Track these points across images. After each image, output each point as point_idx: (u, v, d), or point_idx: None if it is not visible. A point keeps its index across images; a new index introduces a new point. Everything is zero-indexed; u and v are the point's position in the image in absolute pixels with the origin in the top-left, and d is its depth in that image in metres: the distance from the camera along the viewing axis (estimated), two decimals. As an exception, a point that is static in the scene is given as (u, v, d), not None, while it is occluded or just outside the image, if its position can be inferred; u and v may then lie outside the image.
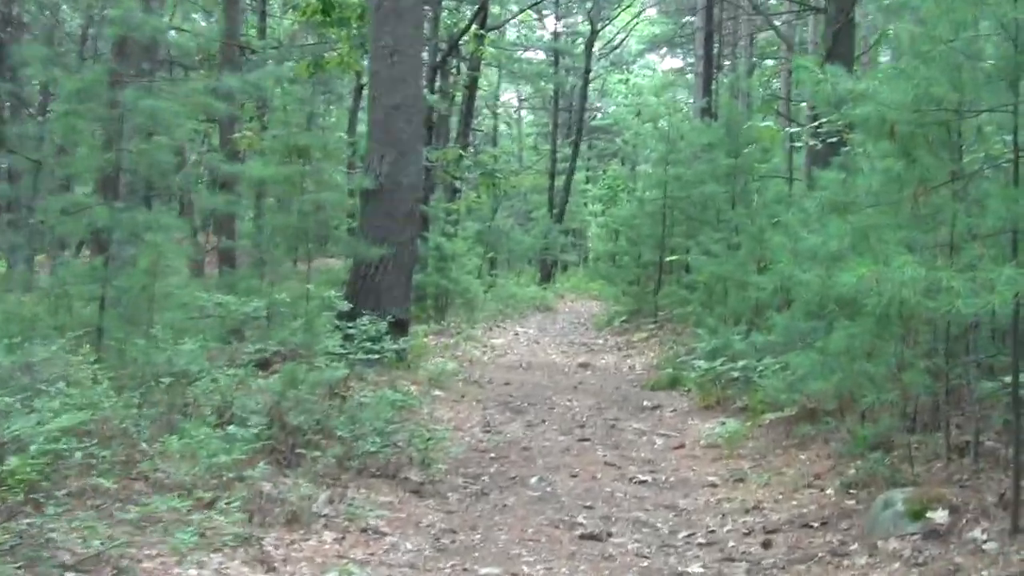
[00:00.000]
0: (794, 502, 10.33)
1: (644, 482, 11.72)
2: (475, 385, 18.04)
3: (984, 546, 7.87)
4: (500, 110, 55.20)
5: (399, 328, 16.52)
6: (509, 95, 61.05)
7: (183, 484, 8.49)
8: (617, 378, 20.31)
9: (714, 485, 11.52)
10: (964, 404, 10.30)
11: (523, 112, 62.53)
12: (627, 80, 54.67)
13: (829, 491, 10.37)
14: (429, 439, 11.52)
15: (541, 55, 54.21)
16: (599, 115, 59.45)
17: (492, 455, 12.73)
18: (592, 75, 50.25)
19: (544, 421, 15.08)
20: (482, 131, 49.34)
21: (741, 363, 15.49)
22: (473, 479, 11.50)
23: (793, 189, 23.21)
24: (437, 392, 16.29)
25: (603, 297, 35.82)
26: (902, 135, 8.73)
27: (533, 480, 11.52)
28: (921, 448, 10.14)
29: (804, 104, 27.13)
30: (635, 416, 15.83)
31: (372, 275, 17.21)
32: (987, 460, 9.46)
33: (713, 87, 33.08)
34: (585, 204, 51.77)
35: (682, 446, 13.62)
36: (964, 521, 8.23)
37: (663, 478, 11.93)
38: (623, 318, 29.56)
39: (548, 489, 11.17)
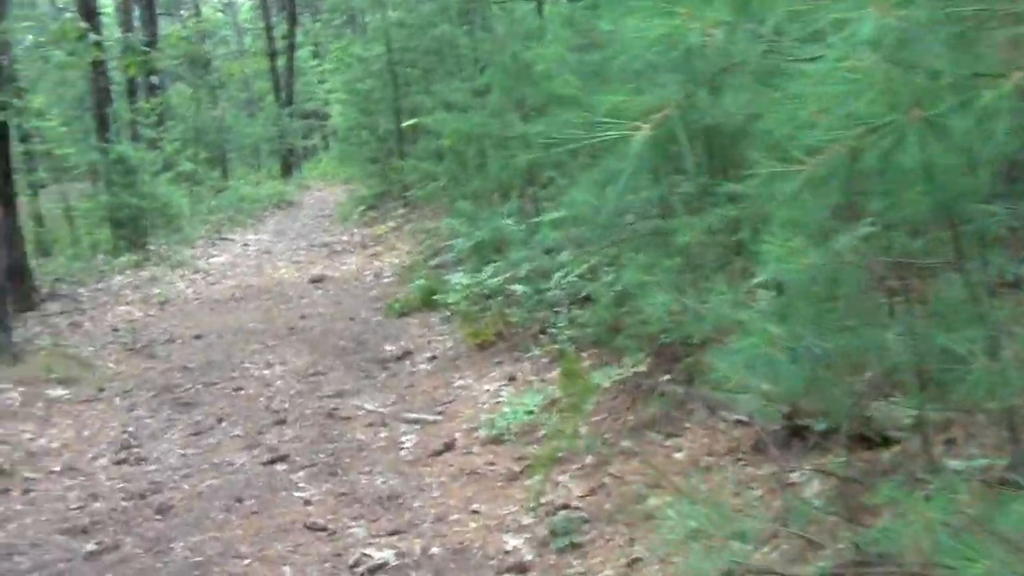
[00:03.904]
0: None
1: (380, 571, 5.35)
2: (141, 355, 11.29)
3: None
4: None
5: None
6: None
7: None
8: (357, 298, 13.81)
9: (524, 570, 5.21)
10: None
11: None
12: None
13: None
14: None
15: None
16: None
17: (94, 544, 6.07)
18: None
19: (221, 421, 8.46)
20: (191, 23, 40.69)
21: (525, 268, 9.04)
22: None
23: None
24: (58, 391, 9.48)
25: (350, 181, 29.06)
26: None
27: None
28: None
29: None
30: (371, 380, 9.39)
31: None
32: None
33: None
34: (320, 82, 44.45)
35: (450, 446, 7.19)
36: None
37: (418, 549, 5.57)
38: (366, 205, 23.03)
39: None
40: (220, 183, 30.31)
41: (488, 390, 8.26)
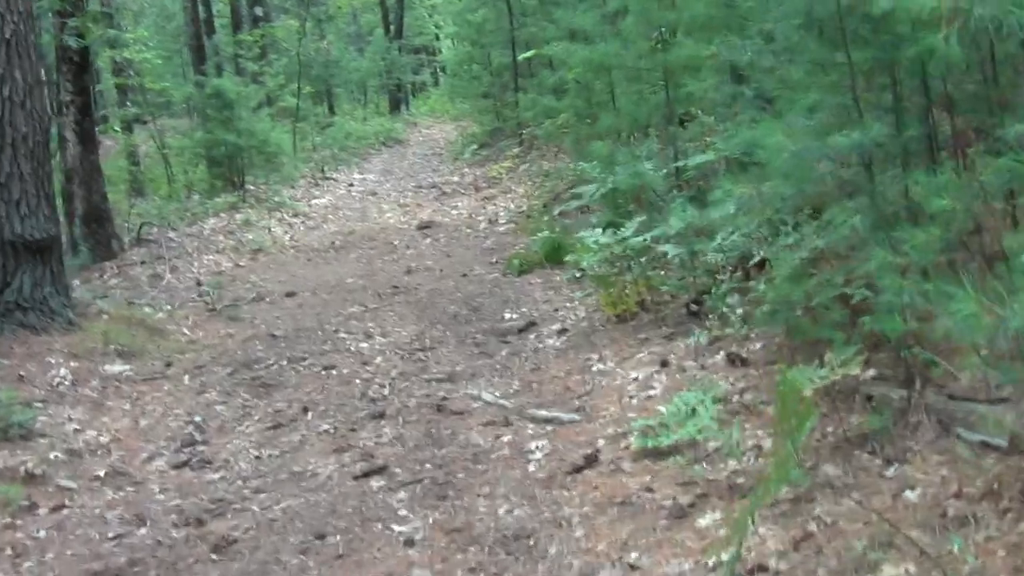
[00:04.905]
0: None
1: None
2: (222, 317, 9.86)
3: None
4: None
5: (38, 255, 8.40)
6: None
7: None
8: (469, 249, 12.38)
9: None
10: None
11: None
12: None
13: None
14: None
15: None
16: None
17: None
18: None
19: (307, 412, 6.93)
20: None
21: (676, 225, 7.35)
22: None
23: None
24: (116, 367, 8.01)
25: (461, 117, 27.55)
26: None
27: None
28: None
29: None
30: (488, 359, 7.82)
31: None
32: None
33: None
34: (430, 15, 42.85)
35: (593, 460, 5.53)
36: None
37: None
38: (478, 144, 21.51)
39: None
40: (325, 119, 28.87)
41: (635, 379, 6.60)
